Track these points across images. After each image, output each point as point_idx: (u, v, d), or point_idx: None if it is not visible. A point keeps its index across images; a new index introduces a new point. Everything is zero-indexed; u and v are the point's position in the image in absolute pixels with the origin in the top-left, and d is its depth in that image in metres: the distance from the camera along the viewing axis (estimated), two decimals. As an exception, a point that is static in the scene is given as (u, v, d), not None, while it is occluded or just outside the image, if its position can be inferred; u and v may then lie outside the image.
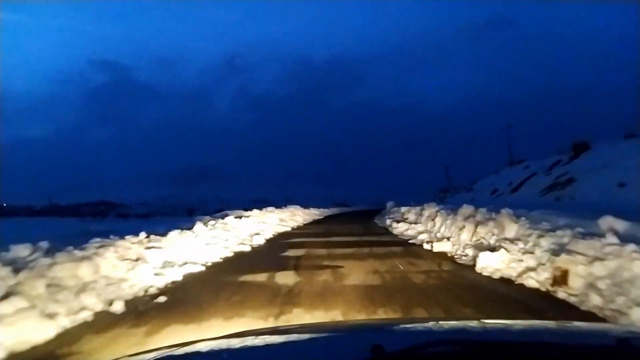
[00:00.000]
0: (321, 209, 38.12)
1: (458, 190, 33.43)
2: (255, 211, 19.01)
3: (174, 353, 1.49)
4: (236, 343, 1.68)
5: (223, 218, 13.91)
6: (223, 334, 1.96)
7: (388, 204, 33.81)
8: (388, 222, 20.29)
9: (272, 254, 10.07)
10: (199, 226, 10.70)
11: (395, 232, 15.66)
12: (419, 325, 2.01)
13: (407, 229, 15.34)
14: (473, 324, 2.04)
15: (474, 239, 9.51)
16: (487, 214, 10.13)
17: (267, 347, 1.62)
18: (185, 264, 7.98)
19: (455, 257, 9.08)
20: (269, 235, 14.60)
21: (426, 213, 15.42)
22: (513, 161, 25.65)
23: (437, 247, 10.26)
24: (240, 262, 8.96)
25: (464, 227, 10.52)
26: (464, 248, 9.51)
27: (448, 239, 10.69)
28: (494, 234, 8.92)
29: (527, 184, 16.05)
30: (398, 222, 17.59)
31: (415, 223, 15.90)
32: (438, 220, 13.44)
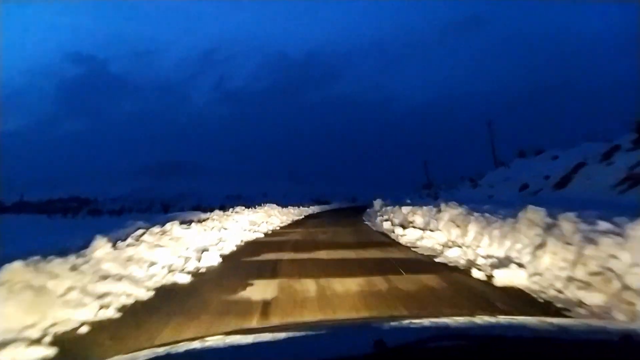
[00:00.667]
0: (300, 208, 33.87)
1: (452, 185, 29.22)
2: (218, 212, 14.51)
3: (175, 350, 1.45)
4: (239, 340, 1.64)
5: (163, 225, 9.42)
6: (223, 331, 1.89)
7: (376, 202, 29.49)
8: (385, 225, 16.03)
9: (219, 297, 5.63)
10: (99, 244, 6.18)
11: (402, 241, 11.39)
12: (421, 321, 1.87)
13: (419, 238, 11.09)
14: (476, 320, 1.94)
15: (586, 270, 5.25)
16: (585, 223, 5.91)
17: (270, 343, 1.57)
18: (11, 343, 3.53)
19: (561, 306, 4.81)
20: (230, 249, 10.15)
21: (446, 216, 11.17)
22: (523, 152, 21.83)
23: (501, 277, 6.00)
24: (146, 324, 4.51)
25: (543, 245, 6.27)
26: (567, 285, 5.26)
27: (518, 264, 6.40)
28: (635, 265, 4.69)
29: (578, 177, 12.06)
30: (403, 227, 13.34)
31: (429, 229, 11.65)
32: (472, 227, 9.19)
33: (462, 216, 10.33)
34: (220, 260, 8.39)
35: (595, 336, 1.42)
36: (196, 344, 1.56)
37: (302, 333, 1.79)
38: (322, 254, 9.22)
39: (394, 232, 13.33)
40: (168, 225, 9.44)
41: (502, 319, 2.03)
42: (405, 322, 1.91)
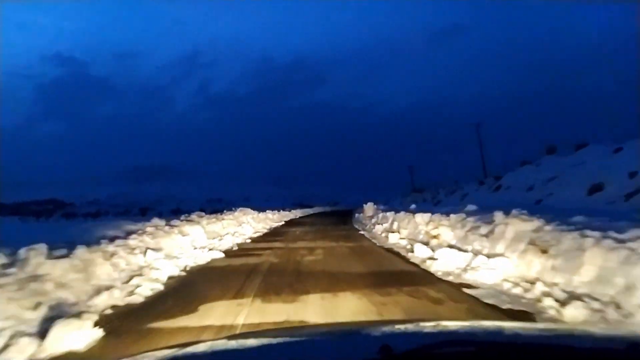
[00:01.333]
0: (280, 212, 29.31)
1: (454, 189, 24.83)
2: (156, 221, 9.94)
3: (179, 354, 1.39)
4: (245, 343, 1.60)
5: (14, 254, 4.87)
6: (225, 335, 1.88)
7: (367, 207, 25.09)
8: (393, 239, 11.71)
9: None
10: None
11: (437, 272, 6.99)
12: (427, 326, 1.82)
13: (467, 268, 6.73)
14: (482, 325, 1.92)
15: None
16: None
17: (274, 347, 1.50)
18: None
19: None
20: (147, 291, 5.63)
21: (509, 232, 6.84)
22: (552, 148, 17.79)
23: None
24: None
25: None
26: None
27: None
28: None
29: None
30: (426, 244, 9.00)
31: (482, 253, 7.30)
32: (594, 259, 4.85)
33: (548, 234, 6.00)
34: (101, 333, 3.87)
35: (603, 344, 1.36)
36: (198, 348, 1.46)
37: (307, 337, 1.71)
38: (315, 308, 4.79)
39: (412, 251, 8.98)
40: (22, 252, 4.90)
41: (509, 325, 2.01)
42: (411, 327, 1.80)
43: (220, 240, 11.21)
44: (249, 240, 12.88)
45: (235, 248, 10.87)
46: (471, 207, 10.58)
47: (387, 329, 1.77)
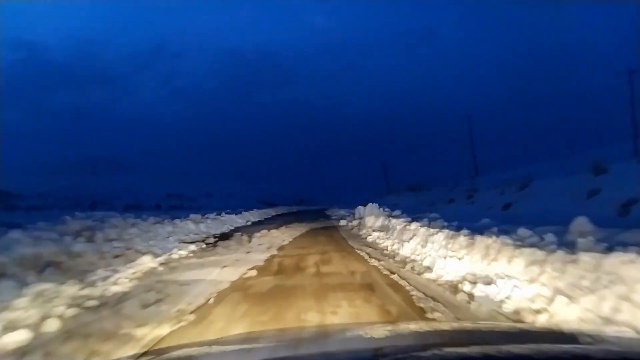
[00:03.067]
0: (222, 216, 21.52)
1: (526, 184, 16.44)
2: None
3: (188, 353, 1.35)
4: (228, 349, 1.52)
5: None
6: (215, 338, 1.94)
7: (366, 210, 16.94)
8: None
9: None
10: None
11: None
12: (418, 329, 1.75)
13: None
14: (478, 327, 1.85)
15: None
16: None
17: (263, 351, 1.44)
18: None
19: None
20: None
21: None
22: None
23: None
24: None
25: None
26: None
27: None
28: None
29: None
30: None
31: None
32: None
33: None
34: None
35: (596, 355, 1.25)
36: (178, 353, 1.42)
37: (296, 341, 1.63)
38: None
39: None
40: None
41: (499, 326, 2.03)
42: (402, 329, 1.71)
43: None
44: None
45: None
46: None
47: (378, 331, 1.69)
